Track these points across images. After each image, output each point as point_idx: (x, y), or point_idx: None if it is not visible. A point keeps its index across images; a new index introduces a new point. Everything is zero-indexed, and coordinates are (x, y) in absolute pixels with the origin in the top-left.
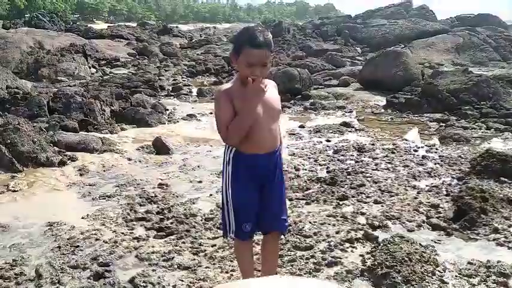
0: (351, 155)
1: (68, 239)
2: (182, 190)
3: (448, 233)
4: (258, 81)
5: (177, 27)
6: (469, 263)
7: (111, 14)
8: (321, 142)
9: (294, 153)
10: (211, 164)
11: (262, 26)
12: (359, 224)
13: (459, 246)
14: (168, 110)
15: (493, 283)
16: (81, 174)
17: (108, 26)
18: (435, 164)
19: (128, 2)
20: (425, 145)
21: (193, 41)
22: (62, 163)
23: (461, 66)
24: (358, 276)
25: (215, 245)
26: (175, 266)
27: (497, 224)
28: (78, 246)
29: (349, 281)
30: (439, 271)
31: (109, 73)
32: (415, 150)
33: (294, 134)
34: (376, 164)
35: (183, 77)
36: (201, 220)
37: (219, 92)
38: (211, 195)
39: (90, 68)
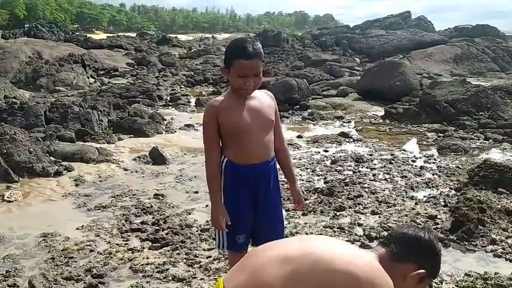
0: (349, 166)
1: (62, 250)
2: (178, 201)
3: (445, 244)
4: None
5: (176, 37)
6: (466, 274)
7: (111, 24)
8: (319, 152)
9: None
10: None
11: (251, 37)
12: (356, 235)
13: (456, 258)
14: (165, 120)
15: None
16: (76, 185)
17: (107, 36)
18: (433, 174)
19: (127, 13)
20: (424, 156)
21: (192, 51)
22: (57, 173)
23: (459, 77)
24: None
25: (210, 257)
26: (170, 278)
27: (495, 235)
28: (72, 257)
29: None
30: (436, 283)
31: (107, 83)
32: (413, 161)
33: (291, 144)
34: (374, 175)
35: (181, 87)
36: (197, 231)
37: (208, 105)
38: (207, 205)
39: (88, 78)
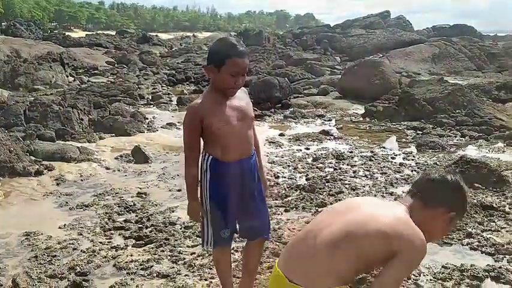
0: (330, 163)
1: (45, 249)
2: (161, 199)
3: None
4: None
5: (156, 35)
6: (443, 266)
7: (90, 22)
8: (301, 150)
9: (273, 161)
10: None
11: (235, 37)
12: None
13: (434, 251)
14: (147, 118)
15: (466, 286)
16: (58, 184)
17: (86, 35)
18: (412, 171)
19: (106, 11)
20: (403, 153)
21: (173, 49)
22: (38, 173)
23: (437, 76)
24: None
25: (194, 253)
26: (154, 274)
27: (471, 228)
28: (55, 255)
29: None
30: (414, 275)
31: (87, 82)
32: (393, 158)
33: (273, 142)
34: (354, 172)
35: (162, 86)
36: (180, 228)
37: (190, 108)
38: None
39: (67, 76)
